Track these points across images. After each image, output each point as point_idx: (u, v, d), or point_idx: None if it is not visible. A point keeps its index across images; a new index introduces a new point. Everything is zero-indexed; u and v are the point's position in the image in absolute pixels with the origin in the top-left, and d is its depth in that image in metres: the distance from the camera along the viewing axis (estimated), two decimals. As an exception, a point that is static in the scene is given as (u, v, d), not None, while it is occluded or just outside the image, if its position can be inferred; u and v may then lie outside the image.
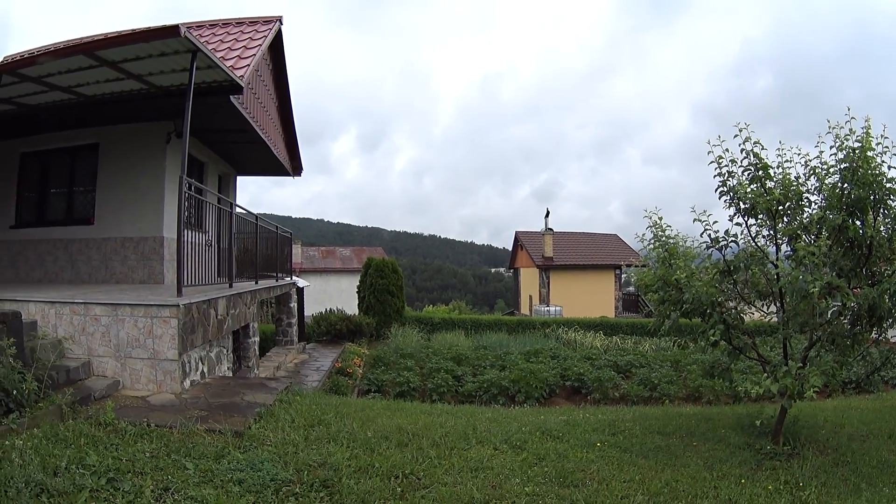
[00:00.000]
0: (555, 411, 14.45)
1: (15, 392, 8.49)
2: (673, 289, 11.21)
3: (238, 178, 26.37)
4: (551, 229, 60.71)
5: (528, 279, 63.69)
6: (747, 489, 8.33)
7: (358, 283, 32.58)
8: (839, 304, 9.74)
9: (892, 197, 10.16)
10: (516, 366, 21.79)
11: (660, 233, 11.89)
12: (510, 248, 74.28)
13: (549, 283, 58.01)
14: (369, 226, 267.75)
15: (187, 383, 11.15)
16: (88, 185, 19.09)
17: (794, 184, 10.77)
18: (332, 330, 27.50)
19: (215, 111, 15.47)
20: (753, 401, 15.58)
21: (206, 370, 12.29)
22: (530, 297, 61.90)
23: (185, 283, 11.84)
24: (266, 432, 9.02)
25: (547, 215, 62.06)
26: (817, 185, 10.70)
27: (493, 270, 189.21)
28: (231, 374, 13.93)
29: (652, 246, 11.98)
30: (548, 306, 50.80)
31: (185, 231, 14.52)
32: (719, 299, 10.90)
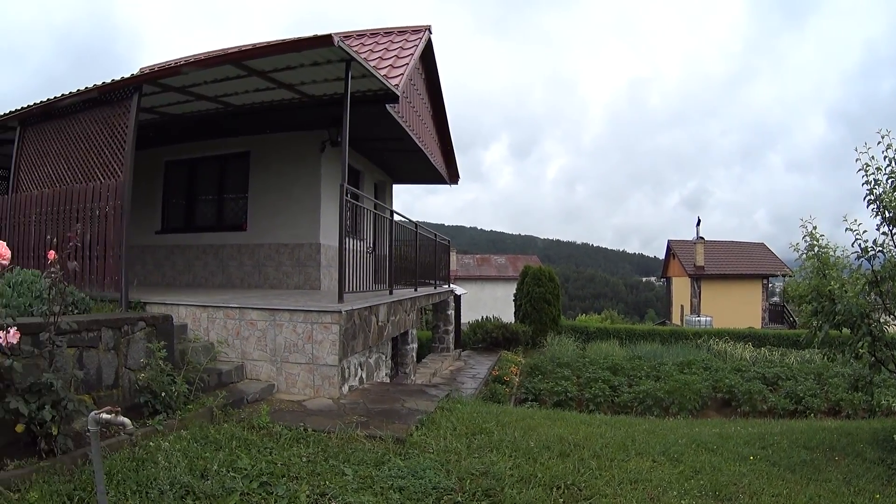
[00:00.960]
0: (707, 423, 14.15)
1: (163, 394, 8.64)
2: (826, 300, 10.87)
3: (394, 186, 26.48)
4: (702, 238, 59.97)
5: (680, 288, 63.10)
6: (879, 504, 8.10)
7: (515, 291, 32.57)
8: None
9: None
10: (671, 377, 21.54)
11: (814, 243, 11.51)
12: (661, 257, 73.48)
13: (699, 293, 57.36)
14: (522, 234, 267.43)
15: (345, 389, 11.13)
16: (240, 193, 19.54)
17: None
18: (487, 337, 27.60)
19: (371, 120, 15.48)
20: (885, 414, 15.78)
21: (364, 376, 12.26)
22: (682, 306, 61.22)
23: (347, 290, 11.80)
24: (428, 440, 8.87)
25: (698, 224, 61.59)
26: None
27: (643, 279, 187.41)
28: (388, 381, 13.87)
29: (806, 256, 11.61)
30: (698, 316, 50.28)
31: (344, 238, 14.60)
32: (868, 311, 10.50)
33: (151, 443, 7.55)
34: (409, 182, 27.80)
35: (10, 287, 9.35)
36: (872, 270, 10.68)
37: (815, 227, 11.55)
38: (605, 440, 9.96)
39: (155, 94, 14.09)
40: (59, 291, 7.25)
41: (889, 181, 10.48)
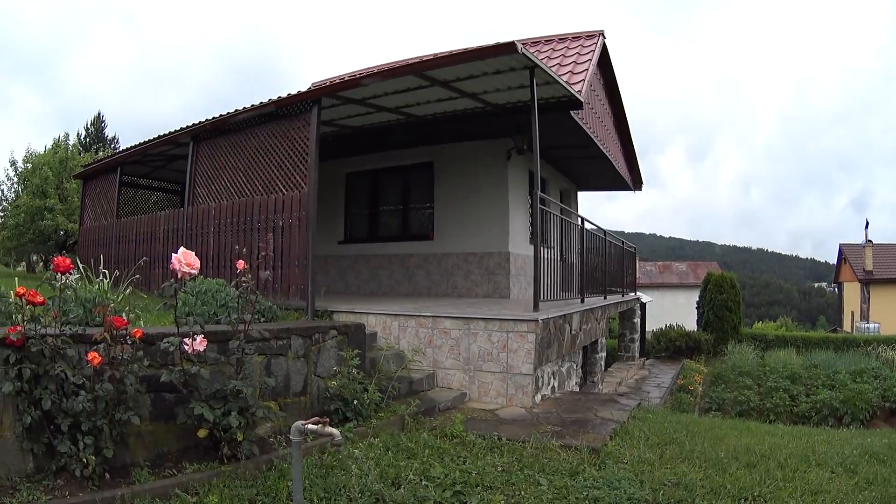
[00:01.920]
0: (877, 433, 13.34)
1: (355, 402, 8.71)
2: None
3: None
4: (871, 241, 57.86)
5: (851, 294, 60.99)
6: None
7: (697, 299, 32.34)
8: None
9: None
10: (845, 386, 20.92)
11: None
12: (832, 262, 71.53)
13: (868, 298, 55.28)
14: (700, 240, 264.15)
15: (538, 398, 10.98)
16: (425, 202, 19.68)
17: None
18: (670, 346, 27.48)
19: (555, 127, 15.29)
20: None
21: (556, 385, 12.11)
22: (852, 312, 59.09)
23: (546, 299, 11.70)
24: (621, 450, 8.65)
25: (867, 226, 59.67)
26: None
27: (815, 286, 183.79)
28: (578, 389, 13.72)
29: None
30: (867, 323, 48.60)
31: (531, 246, 14.28)
32: None
33: (341, 450, 7.49)
34: (592, 189, 27.71)
35: (193, 296, 9.47)
36: None
37: None
38: (787, 451, 9.73)
39: (334, 106, 14.27)
40: (250, 301, 7.26)
41: None
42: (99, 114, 73.35)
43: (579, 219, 15.44)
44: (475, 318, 11.18)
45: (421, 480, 6.86)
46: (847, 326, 58.17)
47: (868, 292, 55.41)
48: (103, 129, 69.58)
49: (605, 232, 18.22)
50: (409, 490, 6.55)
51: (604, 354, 17.60)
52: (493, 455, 8.02)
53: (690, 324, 32.35)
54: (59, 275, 6.43)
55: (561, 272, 13.58)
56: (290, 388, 8.64)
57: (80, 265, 9.96)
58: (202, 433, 6.84)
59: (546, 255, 12.18)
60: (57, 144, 40.63)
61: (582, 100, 14.22)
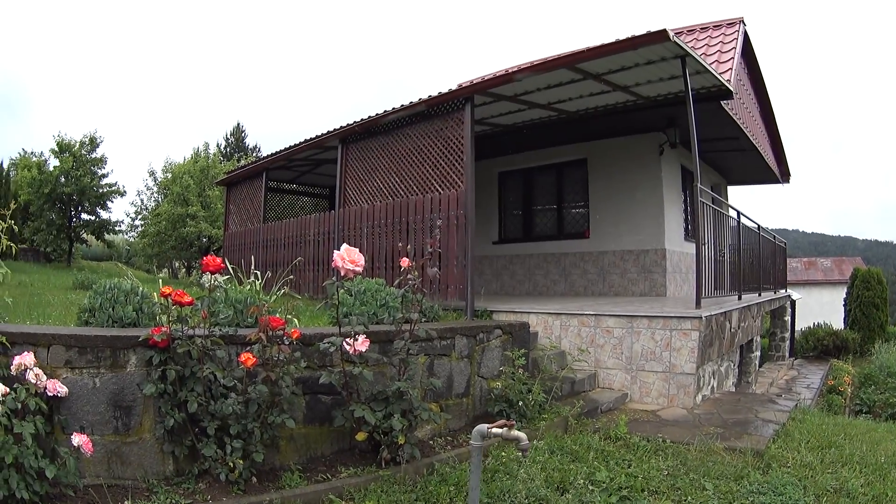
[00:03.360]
0: None
1: (520, 403, 8.58)
2: None
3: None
4: None
5: None
6: None
7: (844, 296, 31.49)
8: None
9: None
10: None
11: None
12: None
13: None
14: (842, 234, 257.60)
15: (699, 398, 10.78)
16: (579, 200, 19.67)
17: None
18: (818, 345, 26.78)
19: (704, 119, 15.03)
20: None
21: (715, 385, 11.90)
22: None
23: (703, 296, 11.54)
24: (784, 452, 8.42)
25: None
26: None
27: None
28: (734, 389, 13.47)
29: None
30: None
31: (685, 243, 14.02)
32: None
33: (503, 453, 7.49)
34: (741, 183, 27.03)
35: (352, 296, 9.44)
36: None
37: None
38: None
39: (484, 104, 14.21)
40: (416, 300, 7.22)
41: None
42: (238, 124, 75.29)
43: (735, 212, 15.26)
44: (639, 315, 11.01)
45: (587, 485, 6.74)
46: None
47: None
48: (244, 138, 71.16)
49: (759, 226, 17.90)
50: (575, 495, 6.43)
51: (758, 354, 17.26)
52: (658, 458, 7.88)
53: (836, 322, 31.61)
54: (209, 275, 6.35)
55: (715, 269, 13.36)
56: (453, 389, 8.61)
57: (230, 266, 10.07)
58: (361, 436, 6.78)
59: (702, 253, 12.06)
60: (197, 154, 41.77)
61: (732, 89, 13.96)
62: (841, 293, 33.50)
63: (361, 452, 7.10)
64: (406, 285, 7.13)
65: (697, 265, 11.46)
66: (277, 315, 7.15)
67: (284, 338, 6.35)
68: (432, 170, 12.64)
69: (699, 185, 11.44)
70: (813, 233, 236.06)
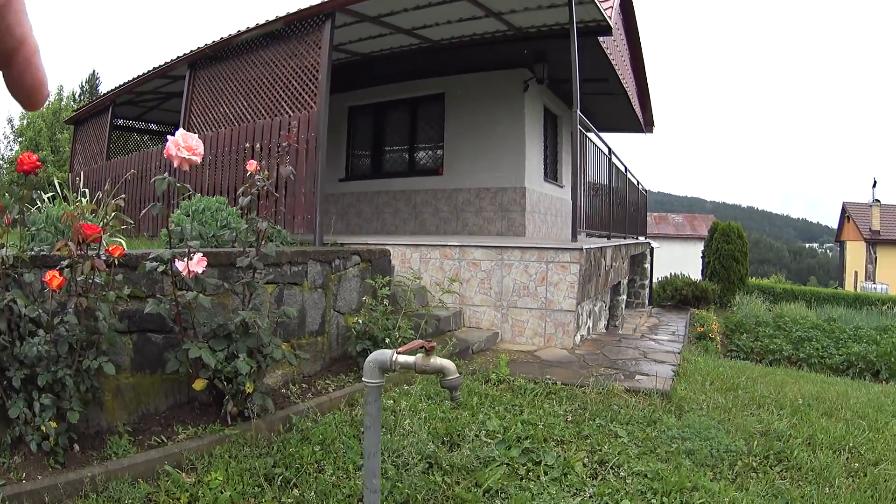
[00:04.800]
0: None
1: (386, 340, 7.54)
2: None
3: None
4: (878, 200, 57.41)
5: (854, 254, 60.60)
6: None
7: (703, 249, 31.69)
8: None
9: None
10: (874, 341, 20.31)
11: None
12: (824, 223, 71.86)
13: (875, 259, 55.00)
14: (689, 195, 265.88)
15: (578, 338, 10.06)
16: (434, 136, 18.93)
17: None
18: (676, 295, 26.82)
19: (580, 56, 14.36)
20: None
21: (591, 325, 11.32)
22: (855, 272, 58.78)
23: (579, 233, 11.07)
24: (691, 394, 7.95)
25: (874, 185, 59.19)
26: None
27: (806, 246, 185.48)
28: (605, 332, 12.94)
29: None
30: (874, 283, 48.76)
31: (545, 183, 13.33)
32: None
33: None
34: (603, 130, 26.16)
35: (188, 216, 8.16)
36: None
37: None
38: (855, 400, 9.50)
39: (346, 25, 13.28)
40: (267, 208, 6.11)
41: None
42: (94, 71, 73.30)
43: (607, 149, 14.78)
44: (510, 247, 10.16)
45: (479, 437, 5.84)
46: (849, 286, 57.67)
47: (875, 252, 55.27)
48: (98, 85, 68.74)
49: (626, 168, 17.77)
50: (471, 451, 5.49)
51: (625, 297, 17.10)
52: (552, 402, 7.07)
53: (689, 274, 31.72)
54: (24, 176, 4.75)
55: (588, 206, 12.69)
56: (306, 325, 7.41)
57: (57, 185, 8.75)
58: (199, 384, 5.26)
59: (556, 193, 11.27)
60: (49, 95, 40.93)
61: (612, 24, 13.32)
62: (692, 248, 34.65)
63: (202, 406, 5.67)
64: (254, 188, 5.70)
65: (574, 197, 10.94)
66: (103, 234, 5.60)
67: (102, 254, 4.88)
68: (284, 92, 11.68)
69: (578, 111, 10.94)
70: (660, 192, 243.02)
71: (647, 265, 23.75)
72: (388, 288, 8.11)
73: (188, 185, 6.30)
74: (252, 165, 5.70)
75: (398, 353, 4.00)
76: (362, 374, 4.13)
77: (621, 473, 5.39)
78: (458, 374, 4.03)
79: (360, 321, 7.66)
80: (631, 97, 20.85)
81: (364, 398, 4.19)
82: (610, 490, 5.02)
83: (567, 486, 5.12)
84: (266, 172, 5.77)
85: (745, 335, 20.67)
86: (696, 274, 30.93)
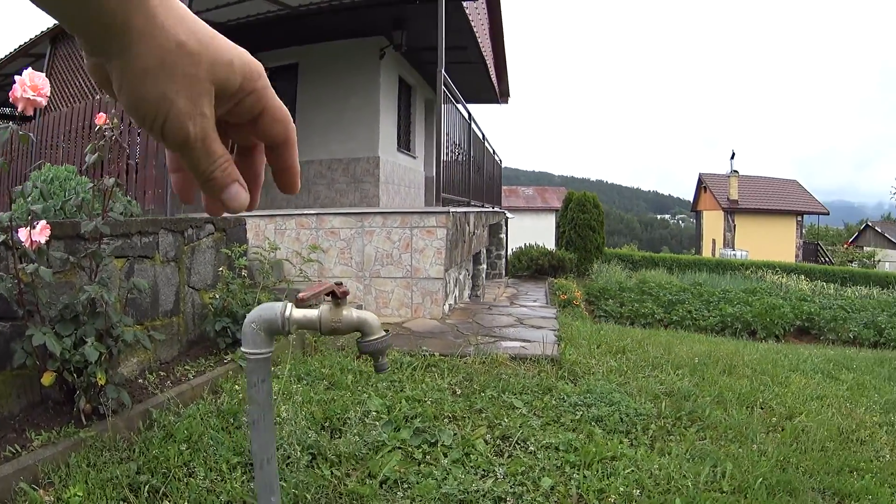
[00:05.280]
0: (808, 348, 14.24)
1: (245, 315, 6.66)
2: None
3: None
4: (736, 171, 60.33)
5: (711, 222, 63.31)
6: None
7: (558, 219, 32.13)
8: None
9: None
10: (746, 303, 21.17)
11: None
12: (676, 195, 74.06)
13: (734, 227, 57.63)
14: (537, 170, 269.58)
15: (447, 307, 9.73)
16: (286, 107, 18.20)
17: None
18: (532, 265, 26.72)
19: (437, 22, 14.09)
20: None
21: (458, 294, 11.02)
22: (713, 240, 61.45)
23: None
24: (580, 359, 7.69)
25: (732, 157, 61.95)
26: None
27: (658, 217, 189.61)
28: (471, 301, 12.69)
29: None
30: (733, 250, 50.93)
31: (399, 154, 13.04)
32: None
33: (237, 385, 5.68)
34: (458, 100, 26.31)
35: (36, 187, 7.47)
36: None
37: None
38: (749, 357, 9.80)
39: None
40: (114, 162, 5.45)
41: None
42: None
43: (467, 113, 14.66)
44: (371, 212, 9.85)
45: (363, 419, 5.17)
46: (707, 253, 60.43)
47: (733, 221, 57.83)
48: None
49: (484, 136, 17.67)
50: (356, 435, 4.81)
51: (485, 266, 17.06)
52: (434, 376, 6.58)
53: (545, 245, 32.00)
54: None
55: (447, 171, 12.43)
56: (160, 304, 6.53)
57: None
58: (48, 379, 4.32)
59: (408, 164, 10.99)
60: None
61: (475, -14, 12.91)
62: (543, 220, 34.94)
63: (56, 405, 4.68)
64: (102, 141, 5.02)
65: (437, 158, 10.71)
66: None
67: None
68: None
69: (443, 71, 10.81)
70: (507, 167, 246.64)
71: (503, 235, 23.81)
72: (245, 258, 7.50)
73: (31, 134, 5.71)
74: (101, 118, 5.11)
75: (294, 305, 2.76)
76: (222, 357, 3.48)
77: (530, 448, 4.97)
78: (384, 333, 2.82)
79: (218, 296, 7.01)
80: (489, 67, 20.67)
81: (248, 378, 2.83)
82: (523, 468, 4.57)
83: (473, 467, 4.59)
84: (116, 121, 5.16)
85: (611, 300, 20.85)
86: (549, 245, 30.73)
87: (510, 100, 26.41)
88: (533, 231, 41.94)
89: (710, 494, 4.62)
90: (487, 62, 19.76)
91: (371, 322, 2.76)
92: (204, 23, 0.81)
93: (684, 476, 4.83)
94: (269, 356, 2.79)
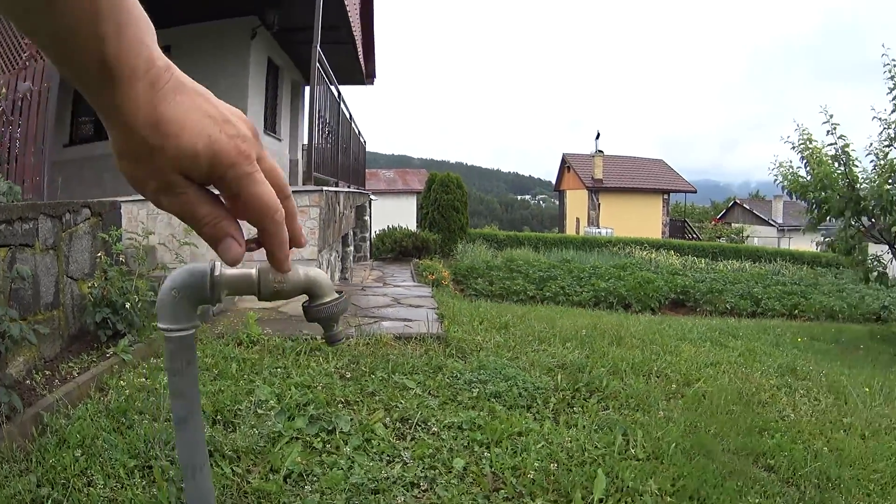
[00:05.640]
0: (689, 319, 15.45)
1: (127, 305, 6.33)
2: (838, 188, 13.84)
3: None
4: (601, 151, 61.31)
5: (575, 202, 64.30)
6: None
7: (421, 200, 32.12)
8: None
9: None
10: (616, 276, 21.83)
11: (808, 141, 14.55)
12: (536, 176, 74.83)
13: (598, 206, 58.59)
14: (396, 154, 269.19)
15: None
16: None
17: None
18: (396, 247, 26.73)
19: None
20: (847, 319, 19.97)
21: (330, 276, 10.63)
22: (577, 219, 62.22)
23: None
24: (465, 335, 7.78)
25: (597, 137, 62.57)
26: None
27: (518, 198, 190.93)
28: (342, 284, 12.88)
29: (801, 153, 14.69)
30: (598, 228, 51.55)
31: (265, 137, 12.99)
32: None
33: (122, 381, 5.31)
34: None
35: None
36: None
37: (806, 129, 14.76)
38: (634, 329, 10.12)
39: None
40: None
41: None
42: None
43: (337, 91, 14.60)
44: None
45: (254, 410, 4.94)
46: (570, 231, 60.90)
47: (597, 199, 58.85)
48: None
49: (351, 115, 17.63)
50: (254, 429, 4.59)
51: (352, 249, 17.13)
52: (319, 360, 6.40)
53: (408, 227, 32.08)
54: None
55: (317, 152, 12.38)
56: (41, 297, 6.08)
57: None
58: None
59: (277, 150, 10.90)
60: None
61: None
62: (405, 202, 35.19)
63: None
64: None
65: (310, 136, 10.80)
66: None
67: None
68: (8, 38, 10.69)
69: (318, 47, 10.77)
70: (367, 151, 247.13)
71: (368, 217, 23.91)
72: (121, 243, 7.16)
73: None
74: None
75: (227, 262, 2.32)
76: (105, 351, 3.18)
77: (432, 429, 4.92)
78: (338, 295, 2.54)
79: (96, 285, 6.64)
80: (358, 47, 20.53)
81: (168, 363, 1.61)
82: (430, 450, 4.52)
83: (377, 453, 4.47)
84: (3, 91, 5.00)
85: (481, 279, 20.93)
86: (412, 227, 31.16)
87: (375, 81, 26.26)
88: (395, 213, 42.04)
89: (627, 462, 4.69)
90: (357, 42, 19.61)
91: (322, 282, 2.23)
92: (196, 99, 0.86)
93: (596, 447, 4.88)
94: (194, 333, 2.27)
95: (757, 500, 4.70)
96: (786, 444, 5.59)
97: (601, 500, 4.29)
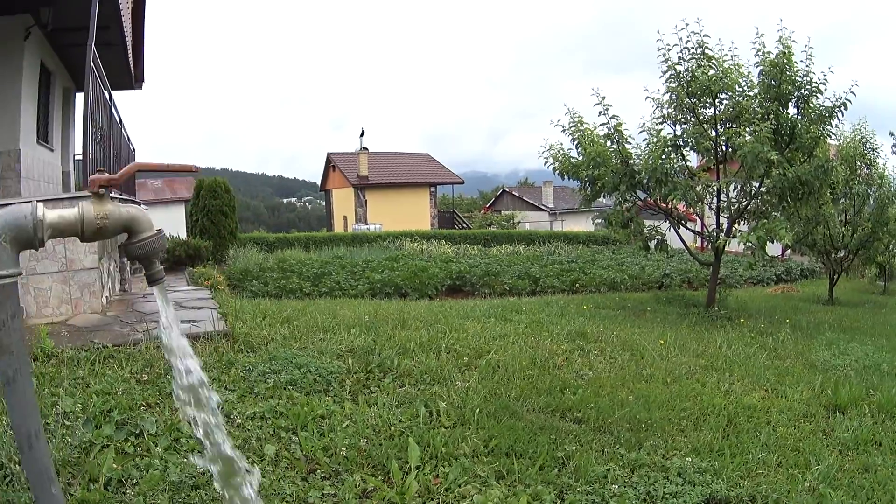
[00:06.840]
0: (469, 301, 16.13)
1: None
2: (612, 165, 14.67)
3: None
4: (366, 148, 61.52)
5: (342, 200, 64.58)
6: (719, 337, 10.77)
7: (191, 207, 31.73)
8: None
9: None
10: (390, 268, 22.65)
11: (579, 123, 15.20)
12: (300, 178, 75.04)
13: (365, 202, 59.09)
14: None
15: (104, 300, 9.39)
16: None
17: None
18: (169, 256, 26.14)
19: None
20: (629, 289, 21.86)
21: (111, 286, 10.82)
22: (345, 217, 62.78)
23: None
24: (252, 330, 8.01)
25: (362, 134, 62.61)
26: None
27: (284, 201, 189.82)
28: (120, 293, 12.63)
29: (573, 134, 15.26)
30: (366, 224, 52.06)
31: (39, 146, 12.85)
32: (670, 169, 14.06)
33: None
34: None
35: None
36: (675, 135, 14.59)
37: (576, 111, 15.30)
38: (415, 313, 10.54)
39: None
40: None
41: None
42: None
43: (109, 97, 14.12)
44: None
45: (62, 421, 4.96)
46: (339, 229, 61.29)
47: (364, 196, 59.42)
48: None
49: (121, 119, 16.83)
50: (61, 439, 4.64)
51: (128, 260, 16.24)
52: (115, 367, 6.39)
53: (179, 236, 31.78)
54: None
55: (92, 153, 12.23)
56: None
57: None
58: None
59: (50, 160, 10.76)
60: None
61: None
62: (174, 211, 39.17)
63: None
64: None
65: (84, 144, 10.48)
66: None
67: None
68: None
69: (92, 46, 10.40)
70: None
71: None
72: None
73: None
74: None
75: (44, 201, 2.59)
76: None
77: (236, 421, 5.19)
78: (156, 231, 2.72)
79: None
80: (128, 49, 19.78)
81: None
82: (238, 441, 4.74)
83: (188, 451, 4.63)
84: None
85: (255, 281, 21.23)
86: (182, 235, 31.35)
87: (144, 85, 25.52)
88: (165, 223, 40.48)
89: (436, 431, 5.07)
90: (128, 44, 18.94)
91: (142, 218, 2.54)
92: None
93: (401, 420, 5.25)
94: (17, 280, 2.42)
95: (574, 447, 5.13)
96: (589, 398, 6.09)
97: (418, 468, 4.61)
